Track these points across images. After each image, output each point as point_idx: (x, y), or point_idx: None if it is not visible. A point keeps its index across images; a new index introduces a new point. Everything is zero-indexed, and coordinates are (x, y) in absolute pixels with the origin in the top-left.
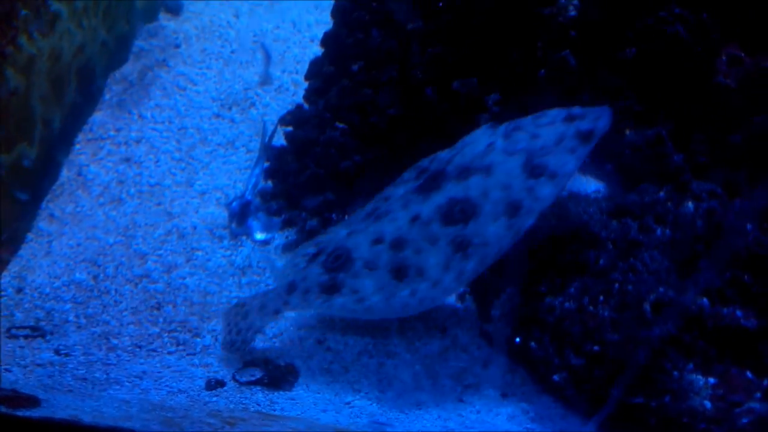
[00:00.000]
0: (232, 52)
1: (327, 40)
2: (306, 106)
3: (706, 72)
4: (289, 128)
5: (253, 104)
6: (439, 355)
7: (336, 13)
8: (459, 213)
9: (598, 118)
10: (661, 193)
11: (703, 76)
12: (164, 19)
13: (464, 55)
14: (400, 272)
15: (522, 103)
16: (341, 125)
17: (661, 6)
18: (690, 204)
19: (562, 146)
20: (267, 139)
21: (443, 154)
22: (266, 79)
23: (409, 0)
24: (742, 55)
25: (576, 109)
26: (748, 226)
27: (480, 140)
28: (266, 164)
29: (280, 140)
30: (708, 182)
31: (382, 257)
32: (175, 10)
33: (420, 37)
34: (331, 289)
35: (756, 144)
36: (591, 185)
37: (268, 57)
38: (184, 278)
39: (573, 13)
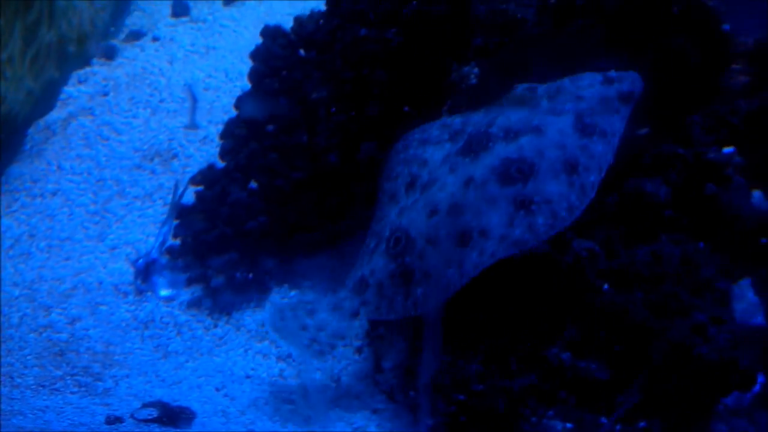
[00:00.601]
0: (161, 101)
1: (240, 103)
2: (220, 164)
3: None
4: (200, 187)
5: (175, 156)
6: (333, 402)
7: (251, 75)
8: (516, 173)
9: (633, 81)
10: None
11: None
12: (98, 65)
13: (368, 122)
14: (463, 238)
15: None
16: (250, 186)
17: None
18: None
19: (607, 107)
20: (177, 197)
21: (476, 117)
22: (192, 126)
23: (317, 70)
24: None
25: (612, 73)
26: (605, 286)
27: (518, 111)
28: (175, 222)
29: (191, 197)
30: (589, 240)
31: (441, 228)
32: (110, 55)
33: (325, 105)
34: (403, 277)
35: (627, 205)
36: None
37: (194, 103)
38: (88, 330)
39: (474, 81)
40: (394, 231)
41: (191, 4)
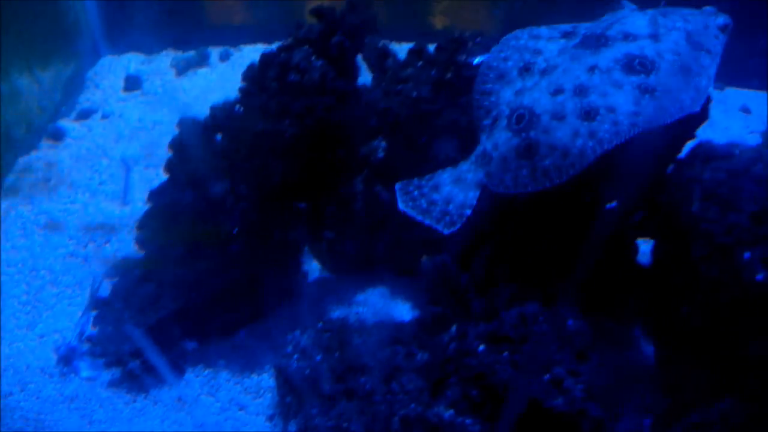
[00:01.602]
0: (101, 183)
1: (153, 195)
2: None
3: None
4: (115, 279)
5: (108, 241)
6: None
7: (166, 166)
8: (639, 66)
9: (727, 17)
10: (428, 321)
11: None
12: (45, 147)
13: (270, 208)
14: (589, 114)
15: (340, 235)
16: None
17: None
18: (445, 331)
19: (708, 32)
20: (94, 290)
21: (588, 25)
22: (125, 203)
23: (223, 160)
24: None
25: (709, 8)
26: (480, 347)
27: (633, 18)
28: (93, 312)
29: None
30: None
31: (567, 105)
32: (58, 137)
33: (229, 196)
34: (527, 151)
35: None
36: (408, 313)
37: (127, 182)
38: (19, 402)
39: (381, 154)
40: (515, 109)
41: (144, 76)
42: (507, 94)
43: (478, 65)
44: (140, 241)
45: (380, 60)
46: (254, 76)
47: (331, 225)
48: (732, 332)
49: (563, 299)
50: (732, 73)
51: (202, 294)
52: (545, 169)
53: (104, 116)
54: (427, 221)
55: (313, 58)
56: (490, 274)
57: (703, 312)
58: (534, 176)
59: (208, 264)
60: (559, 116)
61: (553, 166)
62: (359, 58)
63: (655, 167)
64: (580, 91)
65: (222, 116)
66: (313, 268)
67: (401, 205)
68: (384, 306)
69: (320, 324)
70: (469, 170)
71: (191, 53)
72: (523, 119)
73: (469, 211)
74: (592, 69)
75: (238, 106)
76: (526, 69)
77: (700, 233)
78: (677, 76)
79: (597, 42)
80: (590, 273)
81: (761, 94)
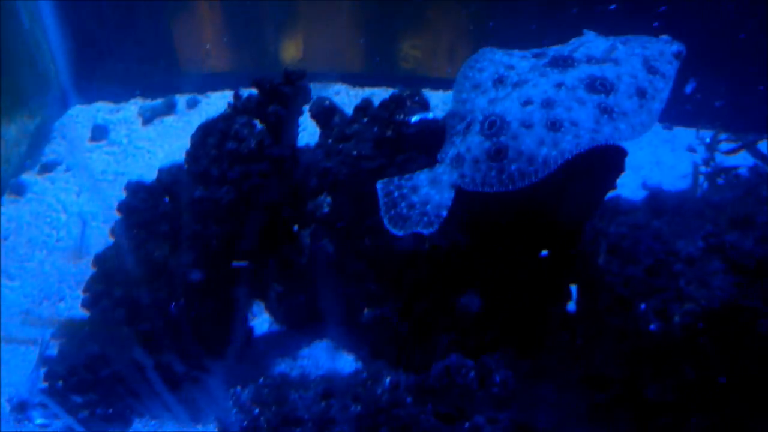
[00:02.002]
0: (58, 240)
1: (98, 259)
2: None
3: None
4: (63, 339)
5: (62, 298)
6: None
7: (112, 231)
8: (600, 86)
9: (681, 45)
10: (364, 374)
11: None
12: (8, 202)
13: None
14: (555, 125)
15: (288, 289)
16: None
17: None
18: (378, 384)
19: (664, 58)
20: (42, 349)
21: (556, 47)
22: (81, 259)
23: (165, 224)
24: (442, 242)
25: (665, 37)
26: (408, 399)
27: (596, 43)
28: (43, 369)
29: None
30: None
31: (535, 115)
32: (20, 191)
33: (169, 262)
34: (497, 154)
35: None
36: (351, 365)
37: (83, 239)
38: None
39: (326, 209)
40: (487, 116)
41: (111, 126)
42: (481, 102)
43: (416, 123)
44: (85, 304)
45: (327, 118)
46: (197, 142)
47: (279, 280)
48: (636, 379)
49: (498, 346)
50: (681, 113)
51: (147, 352)
52: (511, 174)
53: (68, 169)
54: (409, 231)
55: (250, 126)
56: (429, 324)
57: (612, 361)
58: (500, 178)
59: (152, 324)
60: (527, 124)
61: (518, 171)
62: (307, 116)
63: (577, 217)
64: (548, 104)
65: (168, 180)
66: (264, 320)
67: (383, 215)
68: (327, 359)
69: (261, 379)
70: (444, 172)
71: (159, 101)
72: (494, 125)
73: (445, 212)
74: (559, 85)
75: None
76: (499, 81)
77: (605, 285)
78: (633, 99)
79: (564, 62)
80: (526, 319)
81: (709, 133)
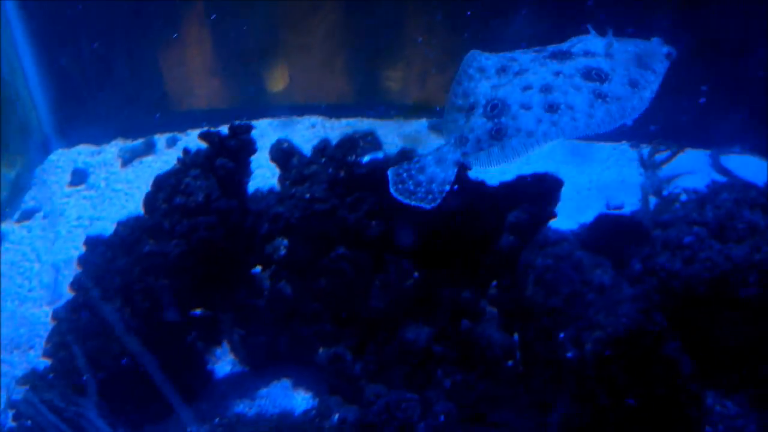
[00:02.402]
0: (30, 290)
1: (57, 313)
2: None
3: (364, 297)
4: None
5: (32, 347)
6: None
7: (71, 285)
8: (595, 75)
9: (671, 47)
10: (313, 411)
11: (362, 301)
12: None
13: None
14: (552, 107)
15: (249, 331)
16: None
17: (332, 248)
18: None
19: (655, 57)
20: (9, 395)
21: (555, 45)
22: (52, 304)
23: (115, 280)
24: (393, 278)
25: (657, 39)
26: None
27: (594, 41)
28: (11, 412)
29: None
30: (378, 384)
31: (534, 98)
32: None
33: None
34: (498, 133)
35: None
36: (308, 403)
37: (54, 290)
38: None
39: (283, 252)
40: (490, 100)
41: (90, 169)
42: (484, 87)
43: (367, 164)
44: (47, 353)
45: (286, 160)
46: (149, 196)
47: (239, 323)
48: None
49: (447, 377)
50: (648, 132)
51: (106, 399)
52: (513, 146)
53: (45, 216)
54: (414, 203)
55: (198, 180)
56: (382, 360)
57: (543, 388)
58: (504, 153)
59: (107, 373)
60: (526, 106)
61: (519, 143)
62: (267, 159)
63: (513, 248)
64: (546, 89)
65: (125, 234)
66: (228, 362)
67: (392, 189)
68: (285, 398)
69: (216, 419)
70: (448, 151)
71: (139, 142)
72: (496, 108)
73: (448, 187)
74: (557, 74)
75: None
76: (502, 69)
77: (533, 316)
78: (625, 87)
79: (563, 56)
80: (474, 347)
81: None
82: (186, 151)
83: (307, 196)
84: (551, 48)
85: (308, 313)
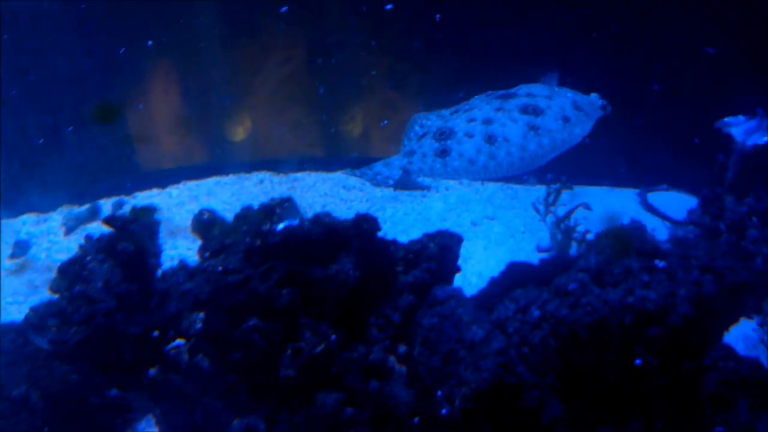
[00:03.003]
0: None
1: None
2: None
3: (277, 366)
4: None
5: None
6: None
7: None
8: (531, 110)
9: (607, 103)
10: None
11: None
12: None
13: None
14: (491, 139)
15: (174, 406)
16: None
17: (245, 320)
18: None
19: (591, 105)
20: None
21: (502, 92)
22: None
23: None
24: (303, 346)
25: (594, 94)
26: None
27: (538, 86)
28: None
29: None
30: None
31: (476, 129)
32: None
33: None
34: (442, 152)
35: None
36: None
37: None
38: None
39: (198, 326)
40: (440, 128)
41: (33, 240)
42: (438, 123)
43: (281, 232)
44: None
45: (207, 231)
46: (54, 284)
47: (157, 399)
48: None
49: None
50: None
51: None
52: (455, 168)
53: None
54: (368, 181)
55: (100, 265)
56: (294, 431)
57: None
58: (445, 170)
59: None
60: (469, 135)
61: (461, 167)
62: (188, 232)
63: (412, 307)
64: (487, 121)
65: (34, 320)
66: None
67: (358, 172)
68: None
69: None
70: (396, 159)
71: (84, 208)
72: (444, 134)
73: (392, 182)
74: (498, 109)
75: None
76: (455, 111)
77: (417, 375)
78: (558, 122)
79: (507, 96)
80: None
81: (605, 190)
82: (88, 237)
83: (219, 269)
84: (501, 92)
85: (224, 385)
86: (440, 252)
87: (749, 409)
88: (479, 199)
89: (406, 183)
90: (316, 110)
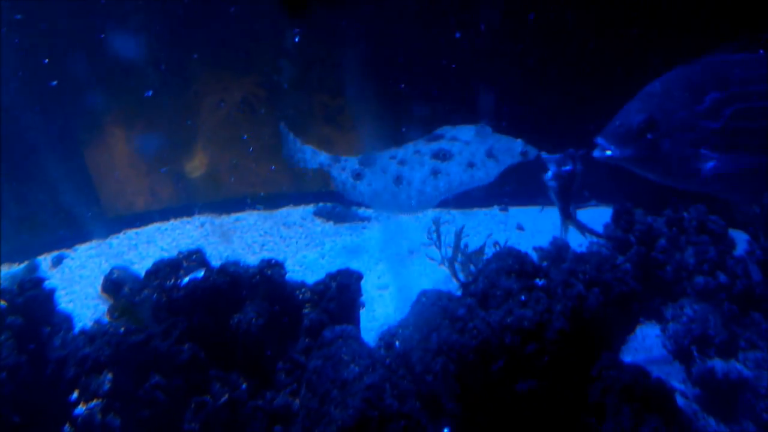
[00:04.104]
0: None
1: None
2: None
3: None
4: None
5: None
6: None
7: None
8: (441, 155)
9: (532, 149)
10: None
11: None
12: None
13: None
14: (398, 180)
15: None
16: None
17: (149, 378)
18: None
19: (507, 152)
20: None
21: (444, 128)
22: None
23: None
24: (207, 399)
25: (519, 141)
26: None
27: (467, 128)
28: None
29: None
30: None
31: (391, 167)
32: None
33: None
34: (358, 176)
35: None
36: None
37: None
38: None
39: (106, 387)
40: (367, 157)
41: None
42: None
43: (185, 286)
44: None
45: (116, 290)
46: None
47: None
48: None
49: None
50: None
51: None
52: (360, 191)
53: None
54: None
55: None
56: None
57: None
58: (353, 191)
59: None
60: (384, 170)
61: (366, 193)
62: (97, 291)
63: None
64: (402, 162)
65: None
66: None
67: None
68: None
69: None
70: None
71: (23, 266)
72: (368, 160)
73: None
74: (416, 152)
75: None
76: (392, 156)
77: (299, 420)
78: (461, 166)
79: (435, 138)
80: None
81: (538, 209)
82: None
83: (121, 330)
84: (438, 132)
85: None
86: (338, 292)
87: (633, 415)
88: (418, 226)
89: (345, 216)
90: (256, 149)
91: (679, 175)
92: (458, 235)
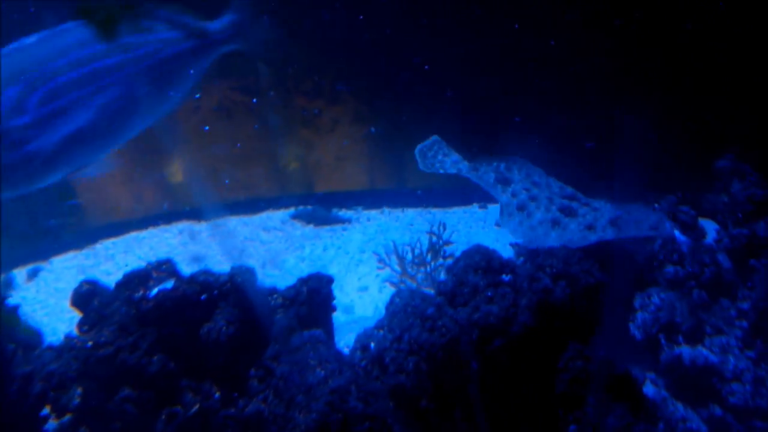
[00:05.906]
0: None
1: None
2: None
3: None
4: None
5: None
6: None
7: None
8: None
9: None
10: None
11: None
12: None
13: None
14: None
15: None
16: None
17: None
18: None
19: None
20: None
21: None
22: None
23: None
24: (179, 410)
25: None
26: None
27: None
28: None
29: None
30: None
31: None
32: None
33: None
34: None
35: None
36: None
37: None
38: None
39: (76, 401)
40: None
41: None
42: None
43: (154, 297)
44: None
45: (86, 303)
46: None
47: None
48: None
49: None
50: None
51: None
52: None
53: None
54: None
55: None
56: None
57: None
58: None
59: None
60: None
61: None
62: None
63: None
64: None
65: None
66: None
67: None
68: None
69: None
70: None
71: None
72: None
73: None
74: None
75: None
76: None
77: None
78: None
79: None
80: None
81: None
82: None
83: (89, 344)
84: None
85: None
86: (309, 296)
87: (599, 404)
88: (398, 226)
89: (325, 218)
90: (234, 153)
91: None
92: (432, 236)
